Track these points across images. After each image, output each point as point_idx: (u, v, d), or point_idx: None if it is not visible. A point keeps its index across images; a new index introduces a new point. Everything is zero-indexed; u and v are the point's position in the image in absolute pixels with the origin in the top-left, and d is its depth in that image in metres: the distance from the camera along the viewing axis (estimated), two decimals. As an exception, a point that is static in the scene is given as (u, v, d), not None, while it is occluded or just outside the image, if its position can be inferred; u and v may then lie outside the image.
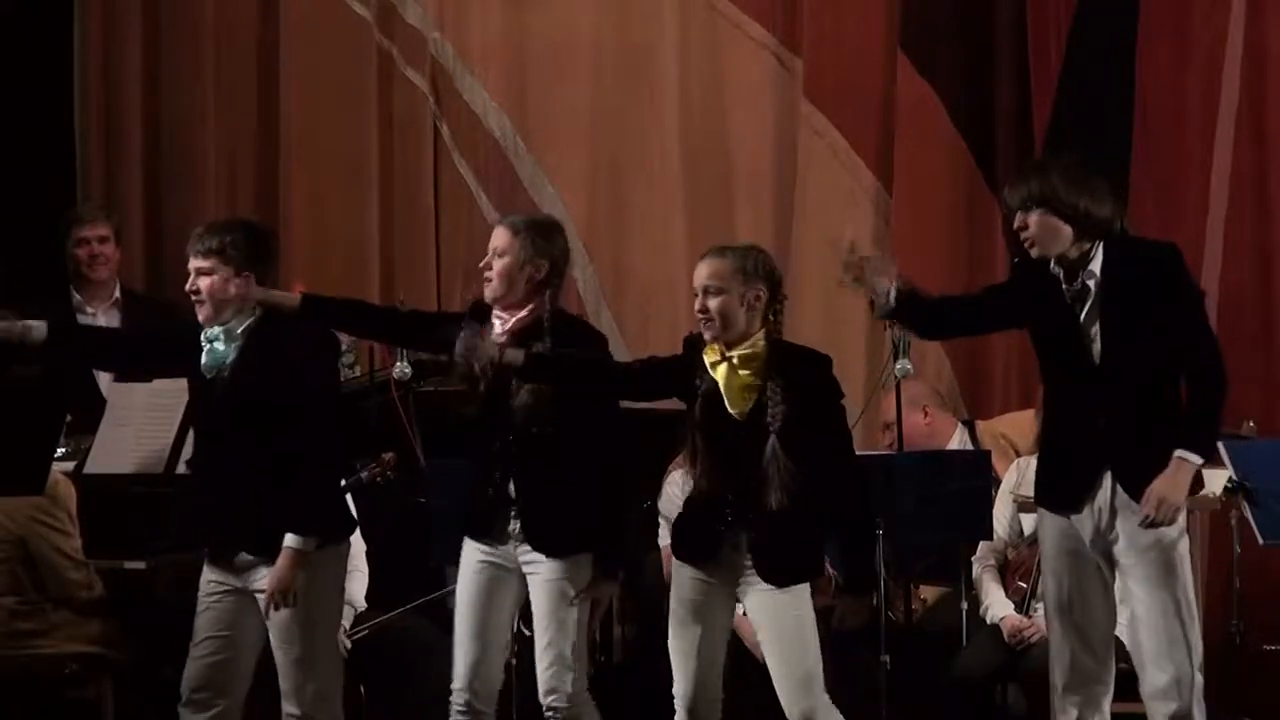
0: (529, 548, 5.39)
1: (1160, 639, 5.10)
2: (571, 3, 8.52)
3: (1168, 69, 7.71)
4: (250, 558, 5.38)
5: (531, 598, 5.42)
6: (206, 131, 8.59)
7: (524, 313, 5.38)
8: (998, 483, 6.65)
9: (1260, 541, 6.34)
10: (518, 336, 5.33)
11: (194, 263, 5.38)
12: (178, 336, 5.60)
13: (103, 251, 7.46)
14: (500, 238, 5.41)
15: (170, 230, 8.58)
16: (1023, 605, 6.51)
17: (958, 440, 7.19)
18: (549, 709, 5.40)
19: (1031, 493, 5.46)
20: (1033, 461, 6.35)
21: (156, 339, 5.94)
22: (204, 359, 5.40)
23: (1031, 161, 5.53)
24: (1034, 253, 5.14)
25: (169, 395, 6.48)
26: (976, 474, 6.45)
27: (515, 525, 5.39)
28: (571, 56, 8.49)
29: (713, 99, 8.36)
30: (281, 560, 5.29)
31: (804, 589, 5.29)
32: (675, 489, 6.52)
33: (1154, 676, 5.12)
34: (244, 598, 5.41)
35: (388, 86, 8.58)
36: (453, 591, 6.62)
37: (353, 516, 5.71)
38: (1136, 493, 5.08)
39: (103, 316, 7.40)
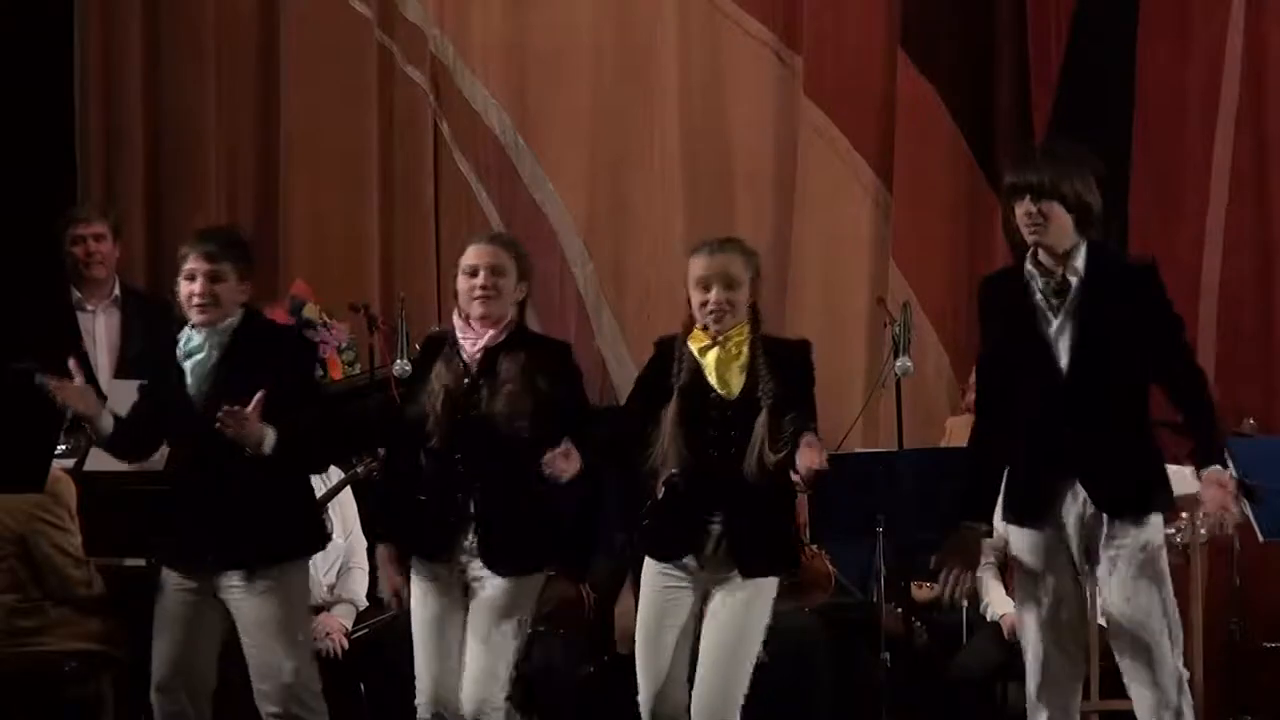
0: (480, 563, 5.34)
1: (1140, 645, 4.94)
2: (571, 2, 8.53)
3: (1168, 67, 7.73)
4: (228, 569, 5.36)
5: (472, 610, 5.37)
6: (206, 131, 8.57)
7: (497, 330, 5.38)
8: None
9: (1260, 539, 6.35)
10: (489, 354, 5.36)
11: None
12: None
13: (99, 249, 7.43)
14: (499, 256, 5.41)
15: (170, 230, 8.57)
16: (1023, 603, 6.50)
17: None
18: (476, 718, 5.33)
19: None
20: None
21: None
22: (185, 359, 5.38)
23: (1037, 146, 5.43)
24: (1033, 238, 4.97)
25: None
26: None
27: (472, 540, 5.34)
28: (571, 55, 8.49)
29: (713, 97, 8.36)
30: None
31: (770, 585, 5.27)
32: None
33: (1139, 681, 4.97)
34: (210, 599, 5.40)
35: (388, 84, 8.58)
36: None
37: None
38: (1109, 507, 4.96)
39: (102, 314, 7.38)
